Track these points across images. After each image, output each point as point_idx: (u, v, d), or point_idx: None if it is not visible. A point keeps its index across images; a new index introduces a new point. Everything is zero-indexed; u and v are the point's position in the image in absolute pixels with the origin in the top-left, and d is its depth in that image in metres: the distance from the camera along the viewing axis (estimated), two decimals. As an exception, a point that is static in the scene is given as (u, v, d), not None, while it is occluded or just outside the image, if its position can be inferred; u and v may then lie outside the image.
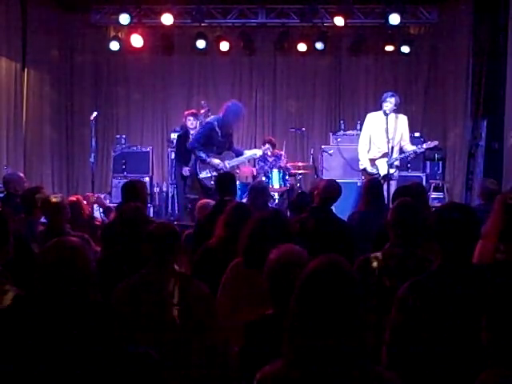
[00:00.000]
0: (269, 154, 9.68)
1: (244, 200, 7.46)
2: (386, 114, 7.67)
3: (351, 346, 1.87)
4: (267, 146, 9.64)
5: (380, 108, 8.00)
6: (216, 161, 7.70)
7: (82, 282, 2.04)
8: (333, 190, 5.20)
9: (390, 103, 7.83)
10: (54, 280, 2.02)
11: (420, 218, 3.55)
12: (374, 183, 5.87)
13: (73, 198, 5.57)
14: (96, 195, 7.26)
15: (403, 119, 8.09)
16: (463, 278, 2.57)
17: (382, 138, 7.76)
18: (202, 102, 9.62)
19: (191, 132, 8.93)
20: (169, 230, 3.32)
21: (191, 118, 9.08)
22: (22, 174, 7.11)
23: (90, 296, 2.05)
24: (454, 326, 2.51)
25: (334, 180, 5.56)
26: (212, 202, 5.63)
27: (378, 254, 3.48)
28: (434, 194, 9.62)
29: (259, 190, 5.73)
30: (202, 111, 9.29)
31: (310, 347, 1.87)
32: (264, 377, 1.96)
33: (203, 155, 7.68)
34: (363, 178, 8.31)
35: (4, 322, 2.07)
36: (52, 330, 1.96)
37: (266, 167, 9.65)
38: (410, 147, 8.00)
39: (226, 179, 5.60)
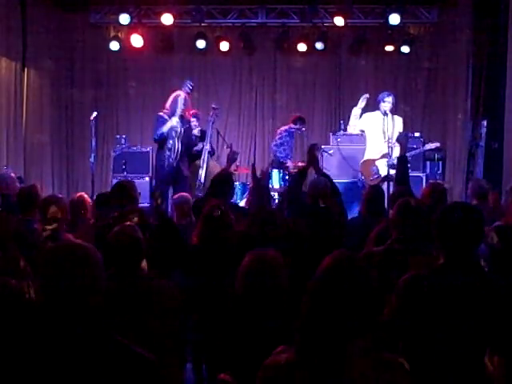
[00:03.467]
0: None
1: (244, 200, 7.47)
2: (386, 114, 7.69)
3: (364, 340, 1.89)
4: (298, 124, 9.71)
5: (377, 108, 8.05)
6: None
7: (88, 285, 2.01)
8: (317, 186, 5.23)
9: (388, 103, 7.87)
10: (59, 283, 1.99)
11: (422, 216, 3.61)
12: (375, 191, 5.88)
13: (76, 196, 5.54)
14: None
15: (399, 121, 8.14)
16: (466, 277, 2.57)
17: (380, 138, 7.80)
18: (213, 105, 9.49)
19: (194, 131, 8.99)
20: (127, 238, 3.19)
21: (194, 120, 9.09)
22: (13, 174, 7.11)
23: (91, 299, 2.03)
24: (451, 324, 2.51)
25: (322, 177, 5.54)
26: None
27: (380, 249, 3.54)
28: (433, 194, 9.60)
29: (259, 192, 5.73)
30: (211, 113, 9.21)
31: (322, 341, 1.89)
32: (271, 365, 1.97)
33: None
34: (362, 178, 8.32)
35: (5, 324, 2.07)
36: (51, 332, 1.96)
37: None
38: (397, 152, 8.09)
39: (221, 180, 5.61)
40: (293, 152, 9.91)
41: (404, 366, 1.96)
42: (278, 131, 9.93)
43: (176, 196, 6.35)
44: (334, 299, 1.92)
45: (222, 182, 5.53)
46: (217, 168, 8.81)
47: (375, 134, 7.99)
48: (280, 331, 2.70)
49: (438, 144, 8.49)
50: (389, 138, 7.54)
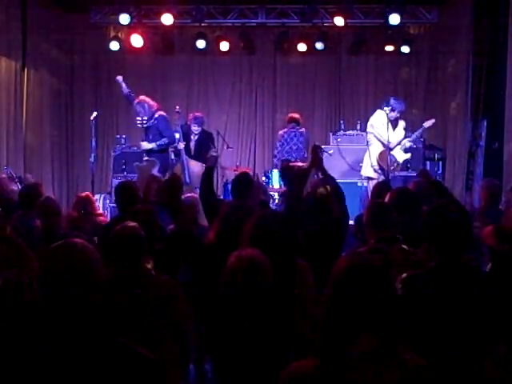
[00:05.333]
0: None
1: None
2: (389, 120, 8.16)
3: (384, 345, 1.89)
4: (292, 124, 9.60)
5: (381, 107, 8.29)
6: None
7: (87, 285, 2.02)
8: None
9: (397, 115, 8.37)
10: (58, 283, 2.00)
11: (393, 216, 3.72)
12: (383, 186, 5.90)
13: (82, 195, 5.55)
14: None
15: (401, 124, 8.56)
16: (460, 278, 2.58)
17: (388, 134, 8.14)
18: (177, 107, 9.58)
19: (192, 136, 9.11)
20: (130, 235, 3.22)
21: (195, 125, 9.16)
22: (4, 175, 7.13)
23: (90, 297, 2.03)
24: (449, 324, 2.51)
25: (320, 178, 5.59)
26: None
27: (363, 249, 3.58)
28: (433, 194, 9.61)
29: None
30: (177, 117, 9.28)
31: (343, 346, 1.89)
32: (292, 374, 1.97)
33: None
34: (379, 169, 8.49)
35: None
36: (51, 331, 1.96)
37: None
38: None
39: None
40: (296, 152, 9.74)
41: (427, 368, 1.96)
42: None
43: (183, 197, 6.32)
44: (355, 303, 1.91)
45: (243, 184, 5.49)
46: (196, 166, 8.83)
47: (385, 129, 8.23)
48: (265, 330, 2.71)
49: (433, 120, 8.84)
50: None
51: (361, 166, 8.75)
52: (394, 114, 8.30)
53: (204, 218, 5.32)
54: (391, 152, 8.29)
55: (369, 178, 8.44)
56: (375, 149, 8.35)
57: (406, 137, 8.59)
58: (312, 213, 4.88)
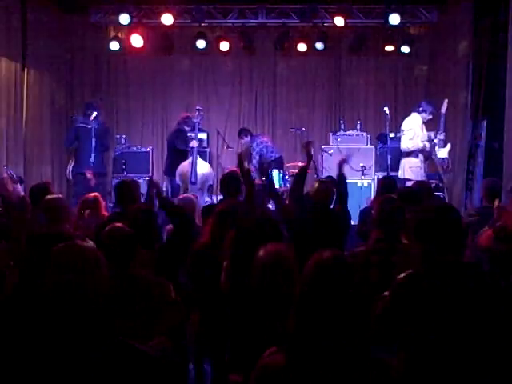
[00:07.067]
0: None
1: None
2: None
3: (355, 339, 1.89)
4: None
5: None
6: None
7: (88, 286, 2.02)
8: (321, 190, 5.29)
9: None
10: (60, 284, 2.00)
11: (404, 213, 3.69)
12: (388, 181, 5.91)
13: (91, 196, 5.57)
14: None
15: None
16: (464, 277, 2.58)
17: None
18: (198, 107, 9.72)
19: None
20: (122, 235, 3.24)
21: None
22: (5, 175, 7.13)
23: (93, 298, 2.04)
24: (449, 323, 2.51)
25: (322, 179, 5.61)
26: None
27: (362, 249, 3.57)
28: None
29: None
30: (197, 114, 9.41)
31: (314, 339, 1.89)
32: (263, 368, 1.97)
33: None
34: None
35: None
36: (53, 329, 1.96)
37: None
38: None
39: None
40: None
41: (392, 367, 1.96)
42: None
43: (181, 197, 6.32)
44: (325, 299, 1.93)
45: (232, 181, 5.49)
46: (204, 167, 8.84)
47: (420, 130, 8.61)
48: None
49: (446, 100, 9.04)
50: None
51: (361, 166, 8.75)
52: (425, 116, 8.47)
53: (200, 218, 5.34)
54: (438, 156, 8.64)
55: (406, 180, 8.48)
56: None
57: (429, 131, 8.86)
58: (311, 212, 4.89)
